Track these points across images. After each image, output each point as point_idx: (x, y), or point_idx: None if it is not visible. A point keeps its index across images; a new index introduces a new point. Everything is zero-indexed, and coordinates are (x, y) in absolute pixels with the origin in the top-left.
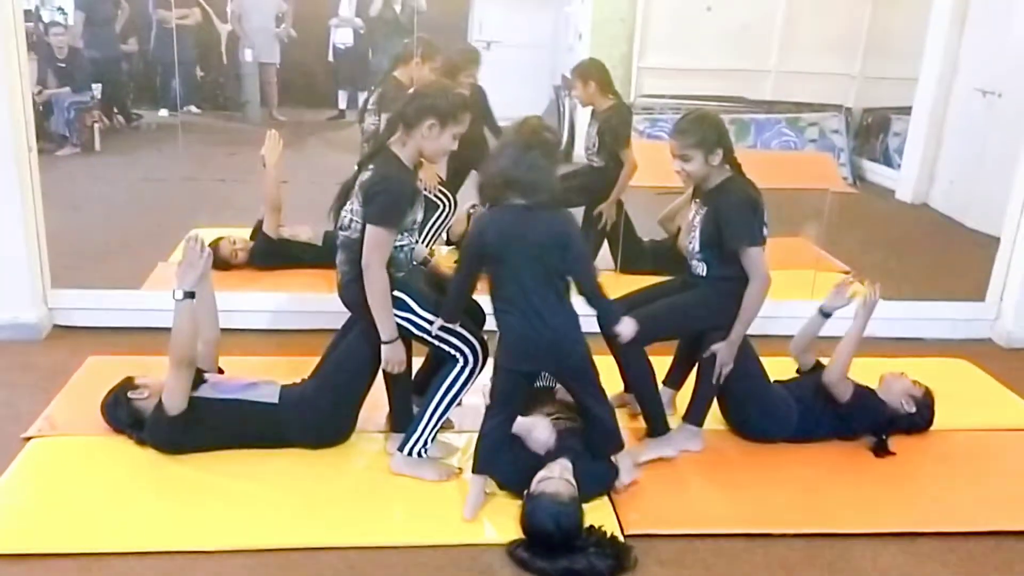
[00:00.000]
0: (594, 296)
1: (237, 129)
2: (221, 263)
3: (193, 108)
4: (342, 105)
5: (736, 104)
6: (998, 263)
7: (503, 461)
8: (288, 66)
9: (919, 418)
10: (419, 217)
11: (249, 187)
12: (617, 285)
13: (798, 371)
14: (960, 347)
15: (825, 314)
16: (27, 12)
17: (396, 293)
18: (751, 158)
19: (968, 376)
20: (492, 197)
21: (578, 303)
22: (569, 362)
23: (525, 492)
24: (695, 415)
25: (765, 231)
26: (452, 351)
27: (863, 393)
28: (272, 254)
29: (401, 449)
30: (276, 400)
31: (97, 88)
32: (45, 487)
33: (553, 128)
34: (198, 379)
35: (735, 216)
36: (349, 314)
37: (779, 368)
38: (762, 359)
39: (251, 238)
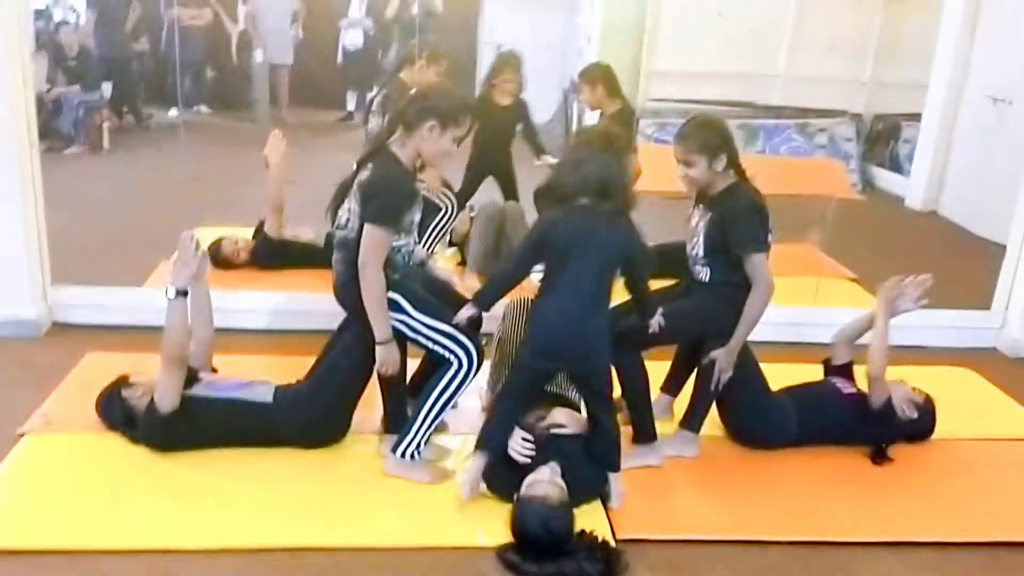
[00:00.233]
0: (643, 295)
1: (246, 129)
2: (223, 262)
3: (203, 108)
4: (350, 106)
5: (745, 109)
6: (1004, 272)
7: (495, 464)
8: (297, 67)
9: (920, 425)
10: (417, 218)
11: (256, 187)
12: (618, 288)
13: (825, 363)
14: (965, 356)
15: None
16: (38, 11)
17: (391, 294)
18: (760, 164)
19: (971, 385)
20: (562, 197)
21: None
22: (590, 366)
23: (515, 496)
24: (692, 421)
25: (770, 237)
26: (447, 354)
27: (890, 408)
28: (273, 254)
29: (394, 451)
30: (270, 400)
31: (106, 87)
32: (37, 483)
33: (625, 135)
34: (192, 378)
35: (739, 222)
36: (346, 315)
37: (780, 375)
38: (762, 366)
39: (253, 238)
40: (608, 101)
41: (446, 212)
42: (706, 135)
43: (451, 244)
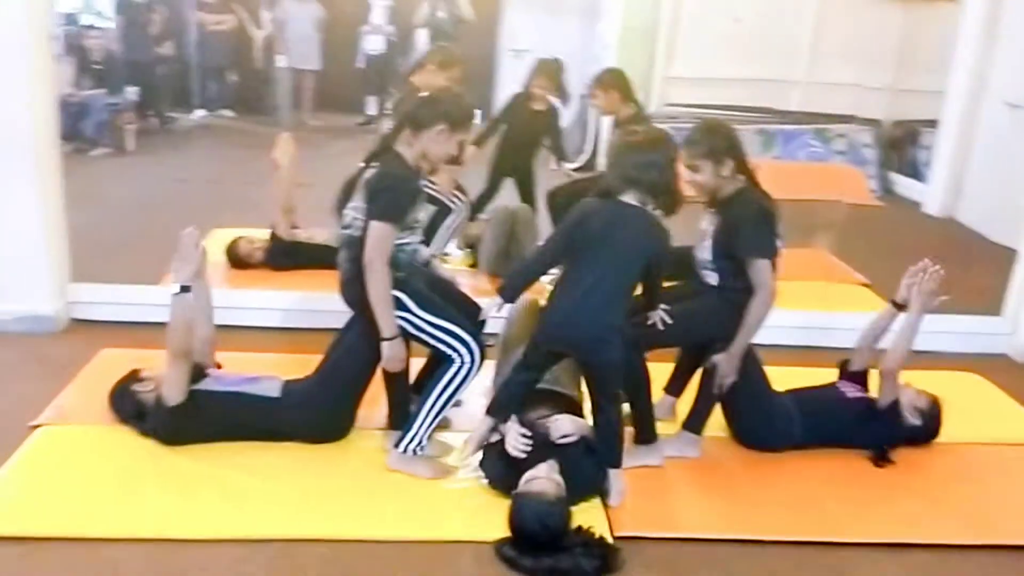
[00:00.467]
0: (654, 294)
1: (268, 133)
2: (239, 262)
3: (227, 112)
4: (371, 111)
5: (763, 115)
6: (1015, 277)
7: (493, 456)
8: (319, 72)
9: (924, 429)
10: (421, 216)
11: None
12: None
13: (842, 366)
14: (976, 361)
15: (899, 305)
16: (66, 16)
17: (394, 292)
18: (778, 169)
19: (979, 390)
20: (608, 190)
21: None
22: (598, 359)
23: (513, 492)
24: (694, 423)
25: (779, 243)
26: (449, 351)
27: (896, 409)
28: (287, 255)
29: (397, 446)
30: (277, 394)
31: (131, 91)
32: (48, 473)
33: (668, 135)
34: (200, 373)
35: (745, 227)
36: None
37: (791, 379)
38: (773, 369)
39: (270, 239)
40: (622, 106)
41: (457, 213)
42: (712, 140)
43: (467, 246)
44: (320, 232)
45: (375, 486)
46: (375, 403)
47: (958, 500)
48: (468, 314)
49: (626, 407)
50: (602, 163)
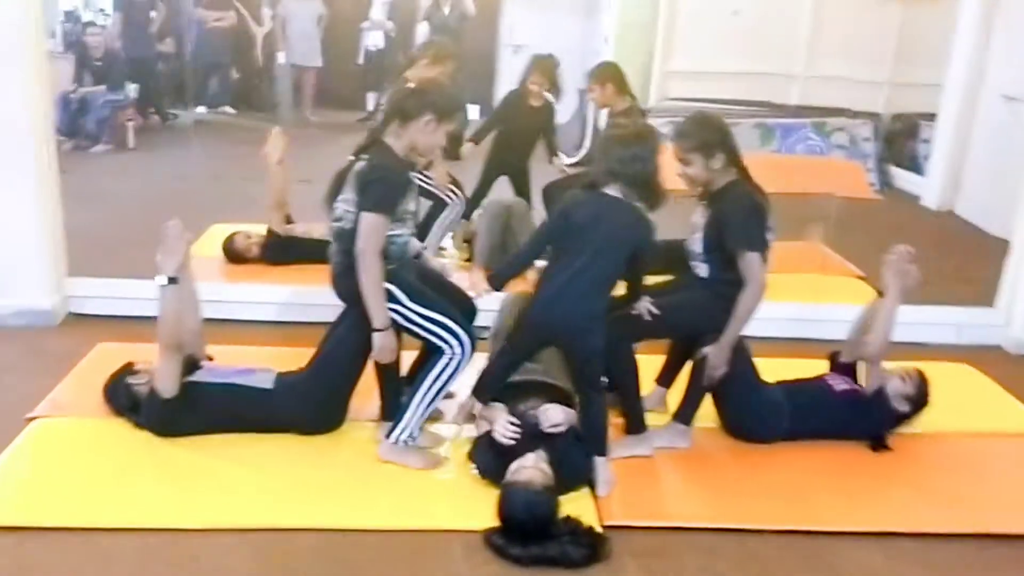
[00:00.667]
0: (637, 286)
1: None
2: (236, 257)
3: (228, 108)
4: (371, 107)
5: (762, 109)
6: (1008, 269)
7: (483, 446)
8: (320, 68)
9: (912, 411)
10: (412, 207)
11: None
12: (621, 283)
13: (832, 358)
14: (969, 353)
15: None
16: (66, 13)
17: (385, 284)
18: (776, 163)
19: (971, 381)
20: (593, 183)
21: None
22: (580, 347)
23: (502, 482)
24: (684, 414)
25: (770, 236)
26: (440, 343)
27: (883, 395)
28: (284, 250)
29: (388, 437)
30: (270, 386)
31: (132, 87)
32: (43, 465)
33: (654, 130)
34: (194, 365)
35: (735, 220)
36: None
37: (784, 371)
38: (767, 361)
39: (267, 234)
40: (617, 99)
41: (452, 207)
42: (703, 133)
43: (464, 241)
44: (317, 227)
45: (366, 476)
46: (368, 395)
47: (946, 489)
48: (460, 306)
49: (616, 398)
50: None
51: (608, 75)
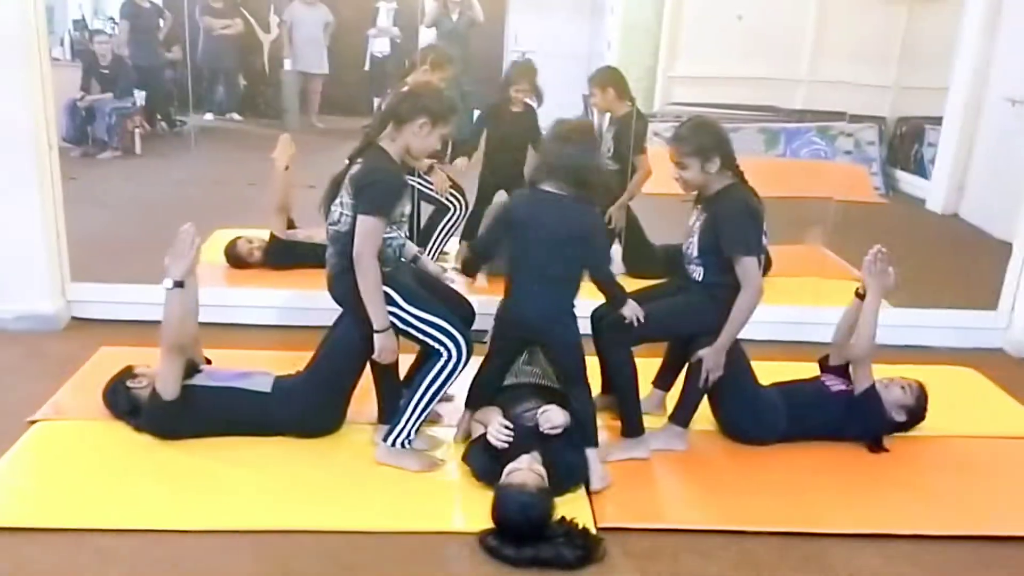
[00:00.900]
0: (607, 284)
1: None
2: (238, 261)
3: (235, 115)
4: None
5: (766, 113)
6: (1010, 272)
7: (478, 449)
8: (327, 75)
9: (909, 420)
10: (407, 211)
11: None
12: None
13: (822, 361)
14: (970, 356)
15: (861, 296)
16: (75, 22)
17: (382, 288)
18: (781, 167)
19: (972, 384)
20: (531, 181)
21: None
22: (553, 339)
23: (496, 484)
24: (681, 416)
25: (764, 240)
26: (437, 346)
27: (874, 394)
28: (285, 254)
29: (385, 439)
30: (268, 389)
31: (139, 95)
32: (44, 467)
33: (593, 127)
34: (193, 369)
35: (730, 224)
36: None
37: (782, 373)
38: (765, 364)
39: (270, 238)
40: (618, 104)
41: (454, 212)
42: (699, 138)
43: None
44: (319, 232)
45: (363, 479)
46: (366, 397)
47: (944, 491)
48: (457, 310)
49: (613, 400)
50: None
51: (609, 79)
